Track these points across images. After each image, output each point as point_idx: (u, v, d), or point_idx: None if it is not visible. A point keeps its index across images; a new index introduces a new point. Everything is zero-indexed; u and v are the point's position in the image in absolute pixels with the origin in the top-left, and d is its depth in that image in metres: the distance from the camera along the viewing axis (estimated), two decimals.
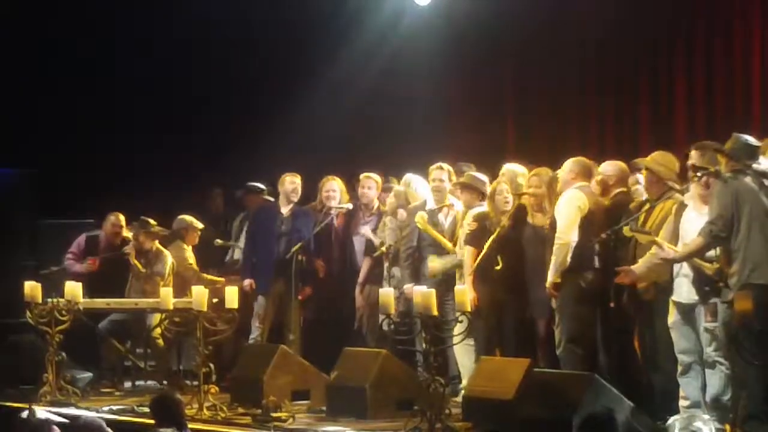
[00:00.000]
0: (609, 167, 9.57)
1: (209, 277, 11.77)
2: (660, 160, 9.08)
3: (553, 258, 9.19)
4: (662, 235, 8.65)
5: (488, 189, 10.10)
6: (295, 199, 11.56)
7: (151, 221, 11.88)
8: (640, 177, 9.71)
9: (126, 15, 14.03)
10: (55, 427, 7.24)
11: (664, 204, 8.87)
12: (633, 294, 8.94)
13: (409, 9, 13.60)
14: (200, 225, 12.09)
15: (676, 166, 9.09)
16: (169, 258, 11.74)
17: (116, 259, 12.04)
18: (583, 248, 9.15)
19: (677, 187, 8.95)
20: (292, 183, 11.52)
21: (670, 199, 8.85)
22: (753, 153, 8.24)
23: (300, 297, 11.25)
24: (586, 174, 9.41)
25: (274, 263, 11.35)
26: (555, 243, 9.17)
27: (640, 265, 8.75)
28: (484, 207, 10.00)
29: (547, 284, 9.22)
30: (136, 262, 11.84)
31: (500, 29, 13.18)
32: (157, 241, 11.86)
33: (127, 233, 12.18)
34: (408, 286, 10.33)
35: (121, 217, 12.24)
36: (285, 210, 11.53)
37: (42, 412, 7.55)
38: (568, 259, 9.14)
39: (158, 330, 11.21)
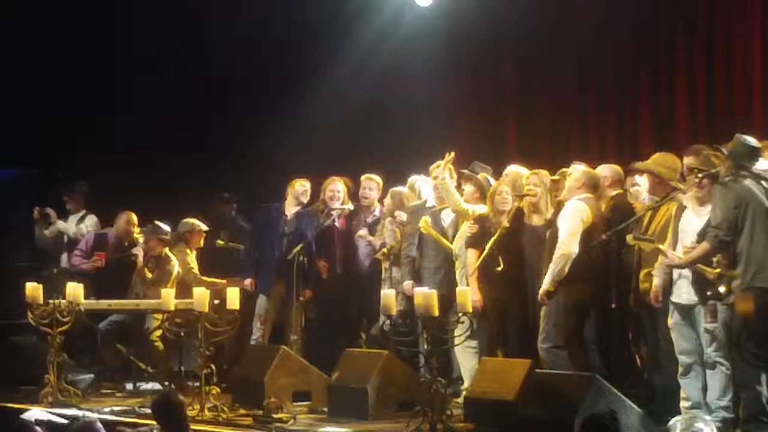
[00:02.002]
0: (604, 170, 9.58)
1: (210, 279, 11.76)
2: (661, 161, 9.09)
3: (551, 266, 9.18)
4: (668, 239, 8.65)
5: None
6: (304, 201, 11.58)
7: (164, 227, 11.82)
8: (638, 178, 9.73)
9: (126, 15, 14.02)
10: (38, 428, 7.27)
11: (669, 206, 8.88)
12: (637, 295, 8.96)
13: (410, 9, 13.59)
14: (205, 228, 12.07)
15: (678, 166, 9.10)
16: (176, 266, 11.69)
17: (123, 260, 12.04)
18: (579, 260, 9.15)
19: (681, 187, 8.96)
20: (302, 186, 11.57)
21: (674, 200, 8.86)
22: (753, 155, 8.24)
23: (301, 298, 11.26)
24: (593, 186, 9.40)
25: (276, 264, 11.37)
26: (556, 252, 9.16)
27: (656, 281, 8.74)
28: (482, 208, 10.00)
29: (541, 291, 9.22)
30: (146, 269, 11.82)
31: (500, 29, 13.18)
32: (167, 248, 11.83)
33: (137, 234, 12.18)
34: (407, 283, 10.35)
35: (134, 217, 12.24)
36: (290, 212, 11.55)
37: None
38: (566, 270, 9.14)
39: (157, 332, 11.21)
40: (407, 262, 10.60)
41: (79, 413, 9.89)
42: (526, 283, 9.66)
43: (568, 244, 9.14)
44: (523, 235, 9.68)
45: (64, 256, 12.82)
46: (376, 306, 10.46)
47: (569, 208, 9.28)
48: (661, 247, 8.54)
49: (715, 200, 8.20)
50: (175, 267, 11.67)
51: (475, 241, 9.86)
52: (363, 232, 11.28)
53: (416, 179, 10.95)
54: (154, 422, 7.59)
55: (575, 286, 9.15)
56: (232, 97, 14.36)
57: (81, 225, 12.98)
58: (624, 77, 12.54)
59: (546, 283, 9.18)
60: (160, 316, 10.92)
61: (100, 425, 7.22)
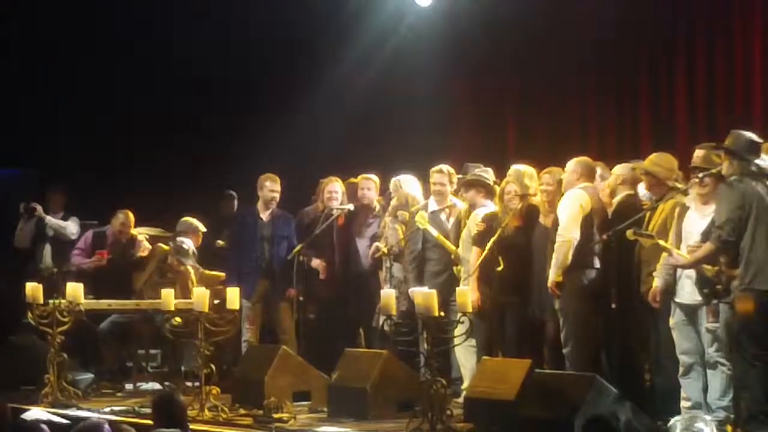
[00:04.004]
0: (619, 169, 9.56)
1: (210, 273, 11.75)
2: (658, 161, 9.09)
3: (554, 255, 9.19)
4: (670, 239, 8.65)
5: (494, 184, 10.15)
6: (274, 205, 11.55)
7: (191, 250, 11.75)
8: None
9: (126, 15, 14.02)
10: (44, 426, 7.24)
11: (664, 205, 8.87)
12: (638, 295, 8.96)
13: (410, 9, 13.62)
14: (203, 228, 12.07)
15: (675, 165, 9.10)
16: (193, 276, 11.68)
17: (124, 260, 12.05)
18: (584, 247, 9.15)
19: (679, 186, 8.96)
20: (271, 191, 11.51)
21: (672, 199, 8.85)
22: (754, 148, 8.22)
23: (301, 299, 11.24)
24: (590, 174, 9.45)
25: (258, 267, 11.35)
26: (557, 240, 9.18)
27: (658, 281, 8.74)
28: (491, 207, 10.00)
29: (549, 283, 9.22)
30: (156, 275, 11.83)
31: (501, 29, 13.19)
32: (189, 266, 11.78)
33: (134, 231, 12.19)
34: (414, 289, 10.32)
35: (131, 216, 12.24)
36: (265, 215, 11.54)
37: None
38: (570, 257, 9.14)
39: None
40: (412, 267, 10.55)
41: (79, 413, 9.89)
42: (527, 284, 9.66)
43: (568, 230, 9.14)
44: (534, 236, 9.66)
45: (47, 251, 12.86)
46: (375, 306, 10.51)
47: (567, 196, 9.29)
48: (661, 242, 8.54)
49: (719, 200, 8.18)
50: (193, 277, 11.64)
51: (481, 240, 9.86)
52: (375, 246, 11.20)
53: (401, 179, 10.98)
54: (152, 422, 7.55)
55: (583, 271, 9.16)
56: (232, 97, 14.36)
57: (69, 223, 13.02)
58: (624, 77, 12.55)
59: (552, 273, 9.19)
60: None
61: (107, 427, 7.19)
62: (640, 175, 9.27)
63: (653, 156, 9.21)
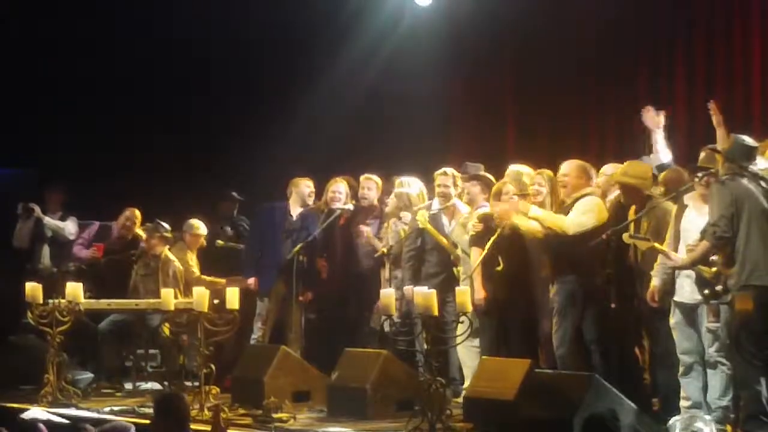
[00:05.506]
0: (609, 168, 9.57)
1: (210, 278, 11.76)
2: (630, 172, 9.06)
3: (549, 214, 9.18)
4: (668, 239, 8.65)
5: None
6: (310, 203, 11.56)
7: (166, 225, 11.82)
8: None
9: (126, 15, 14.02)
10: (42, 426, 7.24)
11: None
12: (637, 294, 8.96)
13: (409, 9, 13.63)
14: (203, 232, 12.08)
15: (648, 174, 9.09)
16: (174, 265, 11.69)
17: (122, 260, 12.07)
18: (581, 251, 9.14)
19: (656, 194, 8.96)
20: (307, 186, 11.55)
21: (654, 207, 8.85)
22: (750, 154, 8.24)
23: (301, 298, 11.23)
24: (590, 177, 9.45)
25: (279, 264, 11.35)
26: (564, 219, 9.17)
27: (655, 281, 8.75)
28: (488, 208, 10.01)
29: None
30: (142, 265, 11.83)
31: (500, 29, 13.20)
32: (167, 248, 11.82)
33: (141, 232, 12.22)
34: (408, 288, 10.34)
35: (137, 213, 12.27)
36: (295, 212, 11.52)
37: None
38: (550, 228, 9.15)
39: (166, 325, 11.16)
40: (408, 266, 10.58)
41: (79, 413, 9.90)
42: (527, 283, 9.65)
43: (574, 227, 9.12)
44: (528, 237, 9.67)
45: (46, 251, 12.89)
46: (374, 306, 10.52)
47: (591, 201, 9.25)
48: (656, 245, 8.54)
49: (712, 198, 8.20)
50: (172, 266, 11.66)
51: (479, 240, 9.86)
52: (368, 229, 11.22)
53: (402, 180, 10.99)
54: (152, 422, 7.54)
55: (581, 275, 9.16)
56: (232, 97, 14.37)
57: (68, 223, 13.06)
58: (624, 77, 12.54)
59: (533, 209, 9.33)
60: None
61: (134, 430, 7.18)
62: (615, 186, 9.28)
63: (624, 166, 9.21)
